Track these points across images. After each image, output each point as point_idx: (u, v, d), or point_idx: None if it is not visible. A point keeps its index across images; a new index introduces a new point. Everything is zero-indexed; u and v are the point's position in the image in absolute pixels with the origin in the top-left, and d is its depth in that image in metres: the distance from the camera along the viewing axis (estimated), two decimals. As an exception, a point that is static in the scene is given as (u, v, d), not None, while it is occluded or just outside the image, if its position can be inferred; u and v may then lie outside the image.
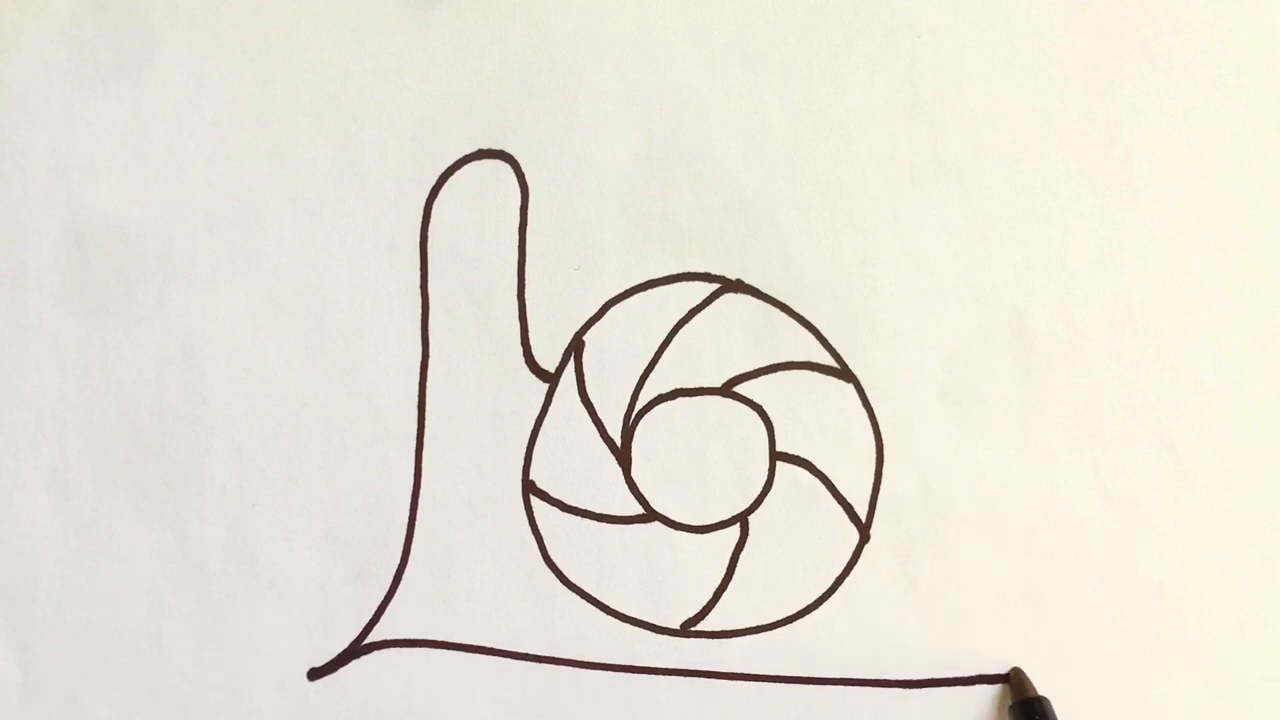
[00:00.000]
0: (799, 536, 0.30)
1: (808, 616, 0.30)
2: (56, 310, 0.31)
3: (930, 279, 0.31)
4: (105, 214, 0.31)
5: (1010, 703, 0.28)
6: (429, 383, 0.31)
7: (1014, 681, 0.27)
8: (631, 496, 0.31)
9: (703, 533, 0.30)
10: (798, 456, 0.30)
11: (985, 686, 0.30)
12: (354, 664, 0.30)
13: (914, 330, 0.30)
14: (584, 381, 0.31)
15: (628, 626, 0.30)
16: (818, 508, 0.30)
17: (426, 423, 0.31)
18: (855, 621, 0.30)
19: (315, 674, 0.30)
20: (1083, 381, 0.30)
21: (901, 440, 0.30)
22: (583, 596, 0.30)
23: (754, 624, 0.30)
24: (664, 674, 0.30)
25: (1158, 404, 0.30)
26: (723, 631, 0.30)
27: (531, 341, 0.31)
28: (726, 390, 0.31)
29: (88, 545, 0.31)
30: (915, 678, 0.30)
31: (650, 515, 0.31)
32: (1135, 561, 0.30)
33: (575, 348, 0.31)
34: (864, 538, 0.30)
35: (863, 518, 0.30)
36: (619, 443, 0.31)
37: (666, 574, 0.30)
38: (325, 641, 0.30)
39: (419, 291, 0.31)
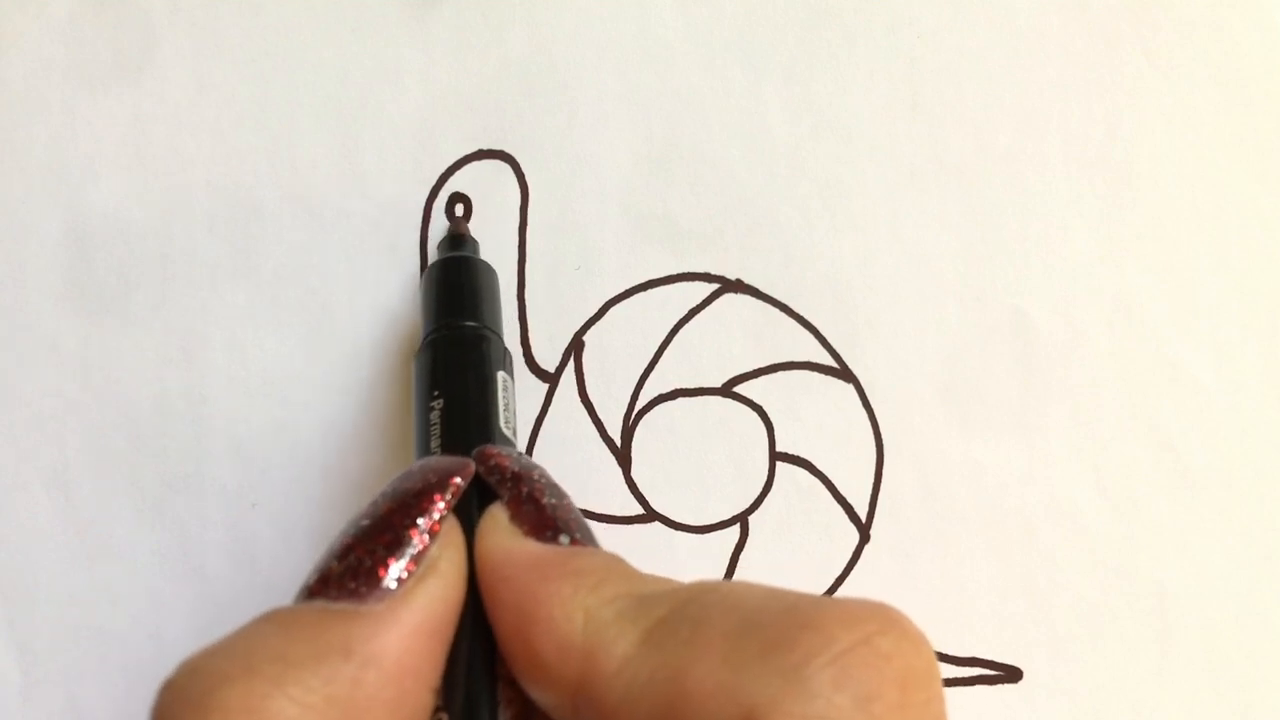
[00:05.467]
0: (799, 536, 0.30)
1: (808, 616, 0.30)
2: (56, 310, 0.31)
3: (930, 279, 0.31)
4: (105, 214, 0.31)
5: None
6: (429, 383, 0.31)
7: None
8: (631, 496, 0.31)
9: (703, 533, 0.30)
10: (798, 456, 0.30)
11: (985, 687, 0.30)
12: (354, 664, 0.30)
13: (914, 330, 0.30)
14: (584, 381, 0.31)
15: (628, 626, 0.30)
16: (818, 508, 0.30)
17: (426, 423, 0.31)
18: (855, 621, 0.30)
19: (315, 674, 0.30)
20: (1083, 381, 0.30)
21: (901, 440, 0.30)
22: (583, 596, 0.30)
23: (754, 624, 0.30)
24: (664, 674, 0.30)
25: (1158, 404, 0.30)
26: (723, 631, 0.30)
27: (531, 341, 0.31)
28: (726, 390, 0.31)
29: (88, 545, 0.31)
30: (915, 678, 0.30)
31: (650, 515, 0.31)
32: (1135, 561, 0.30)
33: (575, 348, 0.31)
34: (864, 538, 0.30)
35: (863, 518, 0.30)
36: (619, 443, 0.31)
37: (667, 574, 0.30)
38: (325, 641, 0.30)
39: (419, 292, 0.31)
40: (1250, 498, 0.30)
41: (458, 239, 0.29)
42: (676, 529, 0.30)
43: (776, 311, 0.31)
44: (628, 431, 0.31)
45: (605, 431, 0.31)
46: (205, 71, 0.32)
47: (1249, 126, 0.30)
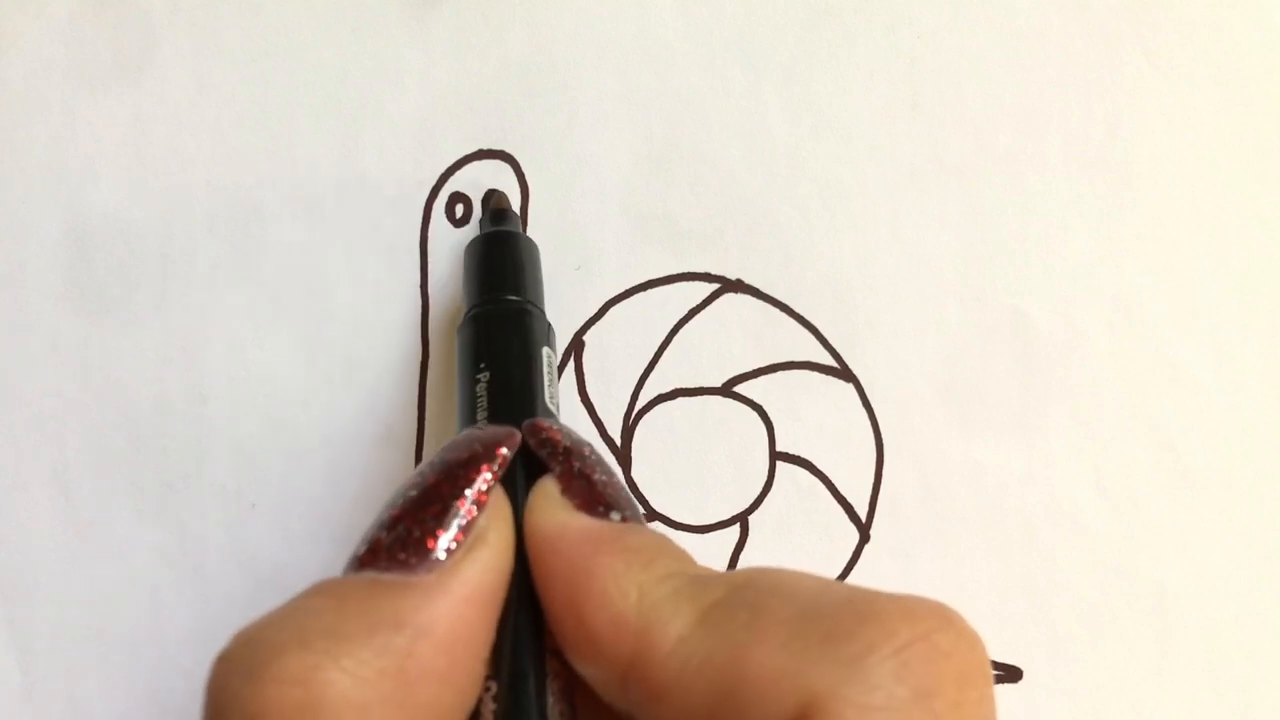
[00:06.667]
0: (799, 536, 0.30)
1: (808, 616, 0.30)
2: (56, 310, 0.31)
3: (930, 279, 0.31)
4: (105, 214, 0.31)
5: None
6: (429, 383, 0.31)
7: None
8: (631, 496, 0.30)
9: (703, 533, 0.30)
10: (798, 456, 0.30)
11: (985, 686, 0.30)
12: (354, 664, 0.30)
13: (914, 330, 0.30)
14: (584, 381, 0.31)
15: (628, 626, 0.30)
16: (818, 508, 0.30)
17: (426, 423, 0.31)
18: (855, 621, 0.30)
19: (315, 674, 0.30)
20: (1083, 381, 0.30)
21: (901, 440, 0.30)
22: (583, 596, 0.30)
23: (754, 624, 0.30)
24: (664, 674, 0.30)
25: (1158, 404, 0.30)
26: (723, 631, 0.30)
27: (531, 341, 0.31)
28: (726, 390, 0.31)
29: (88, 545, 0.31)
30: (915, 678, 0.30)
31: (650, 515, 0.31)
32: (1135, 561, 0.30)
33: (575, 348, 0.31)
34: (864, 538, 0.30)
35: (863, 518, 0.30)
36: (619, 443, 0.31)
37: (666, 574, 0.30)
38: (325, 641, 0.30)
39: (419, 291, 0.31)
40: (1250, 498, 0.30)
41: (500, 214, 0.30)
42: (676, 529, 0.30)
43: (776, 311, 0.31)
44: (628, 431, 0.31)
45: (605, 431, 0.31)
46: (205, 71, 0.32)
47: (1249, 126, 0.30)
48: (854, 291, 0.31)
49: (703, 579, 0.19)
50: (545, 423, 0.22)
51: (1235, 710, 0.30)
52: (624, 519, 0.20)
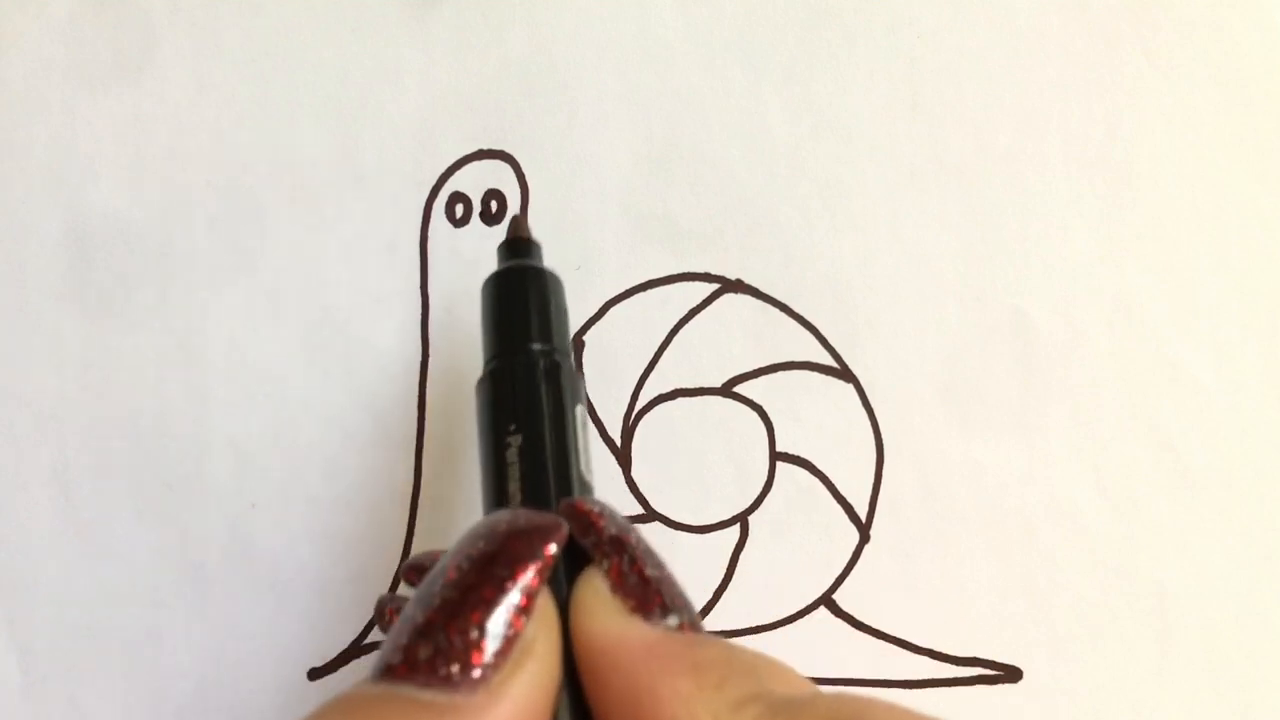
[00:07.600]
0: (799, 536, 0.30)
1: (807, 616, 0.30)
2: (56, 310, 0.31)
3: (930, 279, 0.31)
4: (105, 214, 0.31)
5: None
6: (429, 383, 0.31)
7: None
8: (631, 496, 0.30)
9: (703, 533, 0.30)
10: (798, 456, 0.30)
11: (985, 687, 0.30)
12: (354, 664, 0.30)
13: (914, 330, 0.30)
14: (584, 381, 0.31)
15: (628, 626, 0.30)
16: (818, 508, 0.30)
17: (426, 423, 0.31)
18: (855, 621, 0.30)
19: (315, 674, 0.30)
20: (1083, 381, 0.30)
21: (901, 440, 0.30)
22: (583, 596, 0.30)
23: (754, 624, 0.30)
24: (664, 674, 0.30)
25: (1158, 404, 0.30)
26: (723, 631, 0.30)
27: (531, 341, 0.31)
28: (726, 390, 0.31)
29: (88, 545, 0.31)
30: (915, 678, 0.30)
31: (650, 515, 0.31)
32: (1135, 561, 0.30)
33: (575, 348, 0.31)
34: (864, 538, 0.30)
35: (863, 518, 0.30)
36: (619, 443, 0.31)
37: (666, 574, 0.30)
38: (325, 641, 0.30)
39: (419, 291, 0.31)
40: (1250, 498, 0.30)
41: (519, 244, 0.26)
42: (677, 529, 0.30)
43: (776, 311, 0.31)
44: (628, 431, 0.31)
45: (605, 431, 0.31)
46: (205, 71, 0.32)
47: (1249, 126, 0.30)
48: (854, 291, 0.31)
49: (782, 709, 0.17)
50: (586, 505, 0.20)
51: (1235, 710, 0.30)
52: (681, 625, 0.19)
